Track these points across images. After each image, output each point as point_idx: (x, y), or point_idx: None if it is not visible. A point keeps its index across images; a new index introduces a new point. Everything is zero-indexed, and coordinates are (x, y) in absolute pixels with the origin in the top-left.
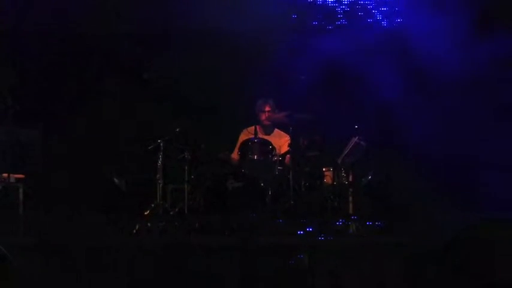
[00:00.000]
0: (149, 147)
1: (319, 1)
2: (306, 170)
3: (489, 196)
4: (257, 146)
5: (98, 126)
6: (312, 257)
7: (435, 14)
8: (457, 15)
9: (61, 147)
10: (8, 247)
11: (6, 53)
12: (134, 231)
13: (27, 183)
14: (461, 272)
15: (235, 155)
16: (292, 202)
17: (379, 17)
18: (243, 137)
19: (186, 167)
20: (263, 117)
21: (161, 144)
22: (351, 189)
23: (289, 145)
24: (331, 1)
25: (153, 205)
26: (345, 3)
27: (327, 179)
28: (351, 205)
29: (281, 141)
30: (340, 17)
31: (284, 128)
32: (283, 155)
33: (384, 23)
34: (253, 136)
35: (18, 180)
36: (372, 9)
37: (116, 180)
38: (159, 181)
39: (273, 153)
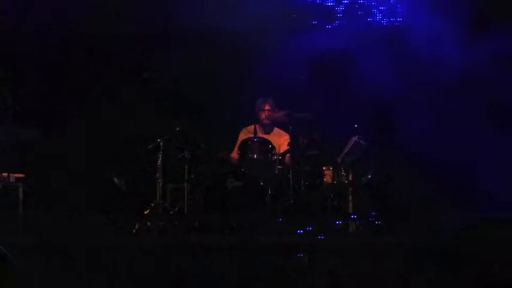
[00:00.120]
0: (149, 147)
1: (319, 1)
2: (306, 169)
3: (489, 196)
4: (257, 145)
5: (97, 126)
6: (312, 256)
7: (435, 14)
8: (457, 15)
9: (61, 147)
10: (8, 247)
11: (7, 53)
12: (134, 230)
13: (27, 182)
14: (461, 272)
15: (234, 154)
16: (292, 201)
17: (378, 16)
18: (242, 136)
19: (186, 166)
20: (263, 116)
21: (161, 143)
22: (350, 189)
23: (289, 144)
24: (330, 0)
25: (152, 204)
26: (344, 3)
27: (327, 178)
28: (350, 204)
29: (281, 140)
30: (340, 17)
31: (284, 127)
32: (283, 154)
33: (383, 22)
34: (252, 135)
35: (18, 179)
36: (371, 8)
37: (115, 180)
38: (159, 180)
39: (273, 152)
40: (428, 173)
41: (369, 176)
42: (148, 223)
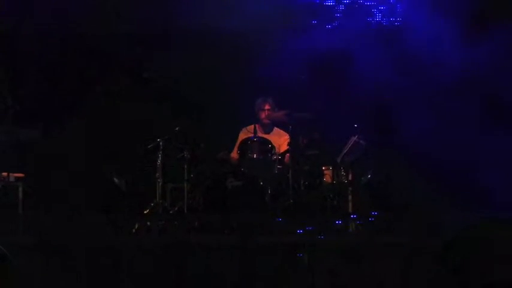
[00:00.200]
0: (149, 146)
1: (319, 0)
2: (306, 169)
3: (489, 196)
4: (256, 144)
5: (97, 126)
6: (312, 256)
7: (434, 14)
8: (456, 14)
9: (61, 147)
10: (8, 247)
11: (7, 53)
12: (134, 230)
13: (27, 182)
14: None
15: (234, 154)
16: (291, 201)
17: (378, 16)
18: (242, 135)
19: (186, 166)
20: (262, 115)
21: (161, 143)
22: (350, 188)
23: (289, 144)
24: (330, 0)
25: (152, 204)
26: (344, 3)
27: (327, 178)
28: (350, 204)
29: (280, 140)
30: (340, 16)
31: (283, 127)
32: (283, 154)
33: (383, 22)
34: (252, 135)
35: (17, 179)
36: (371, 8)
37: (115, 180)
38: (159, 180)
39: (273, 152)
40: (428, 173)
41: (369, 176)
42: (148, 223)
